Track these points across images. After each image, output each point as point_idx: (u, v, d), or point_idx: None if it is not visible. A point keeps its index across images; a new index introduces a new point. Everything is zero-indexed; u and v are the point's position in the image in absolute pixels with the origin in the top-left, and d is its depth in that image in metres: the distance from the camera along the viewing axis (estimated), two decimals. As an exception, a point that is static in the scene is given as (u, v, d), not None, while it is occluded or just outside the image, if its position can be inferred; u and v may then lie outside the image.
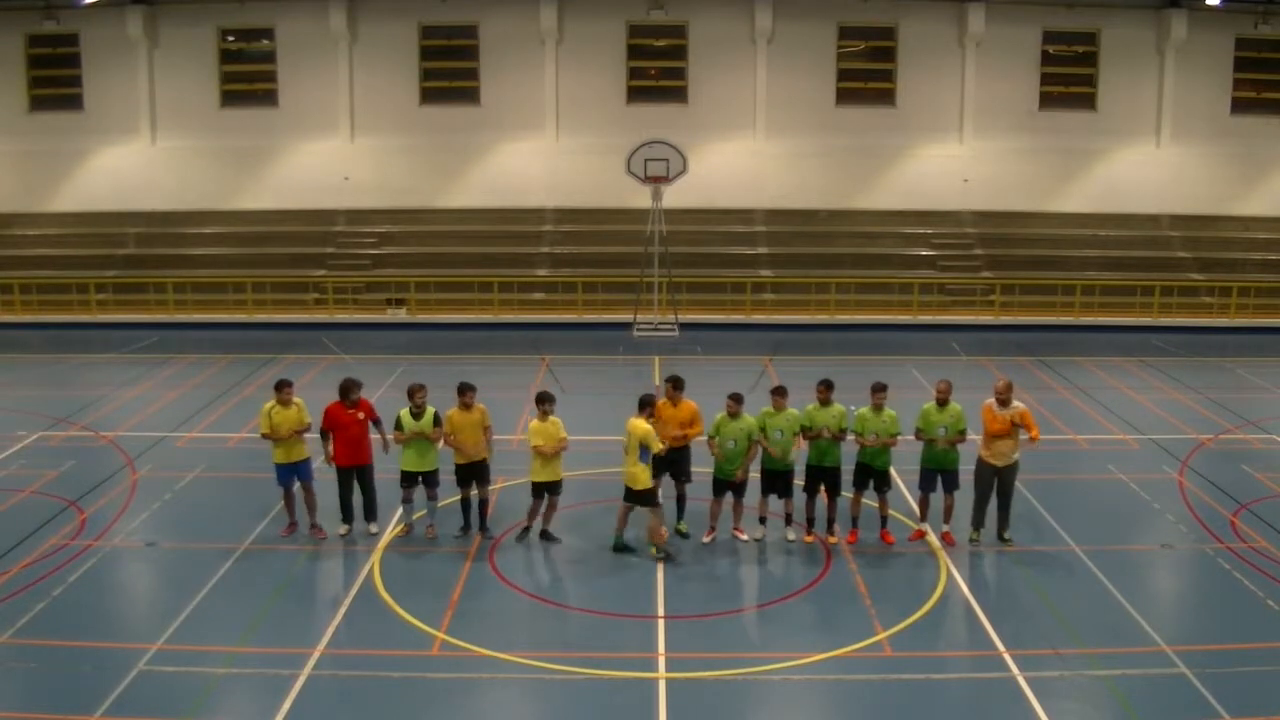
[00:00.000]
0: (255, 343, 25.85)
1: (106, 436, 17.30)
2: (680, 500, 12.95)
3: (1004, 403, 12.35)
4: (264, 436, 12.59)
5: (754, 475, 12.66)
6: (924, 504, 12.87)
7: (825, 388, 12.52)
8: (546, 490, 12.42)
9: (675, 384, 12.84)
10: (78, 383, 22.43)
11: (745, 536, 12.66)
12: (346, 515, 12.79)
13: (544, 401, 12.37)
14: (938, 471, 12.53)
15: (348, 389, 12.59)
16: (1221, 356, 25.23)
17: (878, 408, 12.42)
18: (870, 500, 12.74)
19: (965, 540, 12.61)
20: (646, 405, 12.09)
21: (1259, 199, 32.74)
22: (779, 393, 12.54)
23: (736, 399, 12.41)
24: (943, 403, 12.49)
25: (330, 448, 12.52)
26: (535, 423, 12.35)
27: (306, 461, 12.71)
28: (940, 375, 13.34)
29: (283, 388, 12.62)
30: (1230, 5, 31.20)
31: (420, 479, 12.54)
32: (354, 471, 12.61)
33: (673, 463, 12.62)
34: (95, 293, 29.23)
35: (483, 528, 12.78)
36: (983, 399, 12.67)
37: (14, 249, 31.39)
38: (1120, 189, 32.33)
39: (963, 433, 12.50)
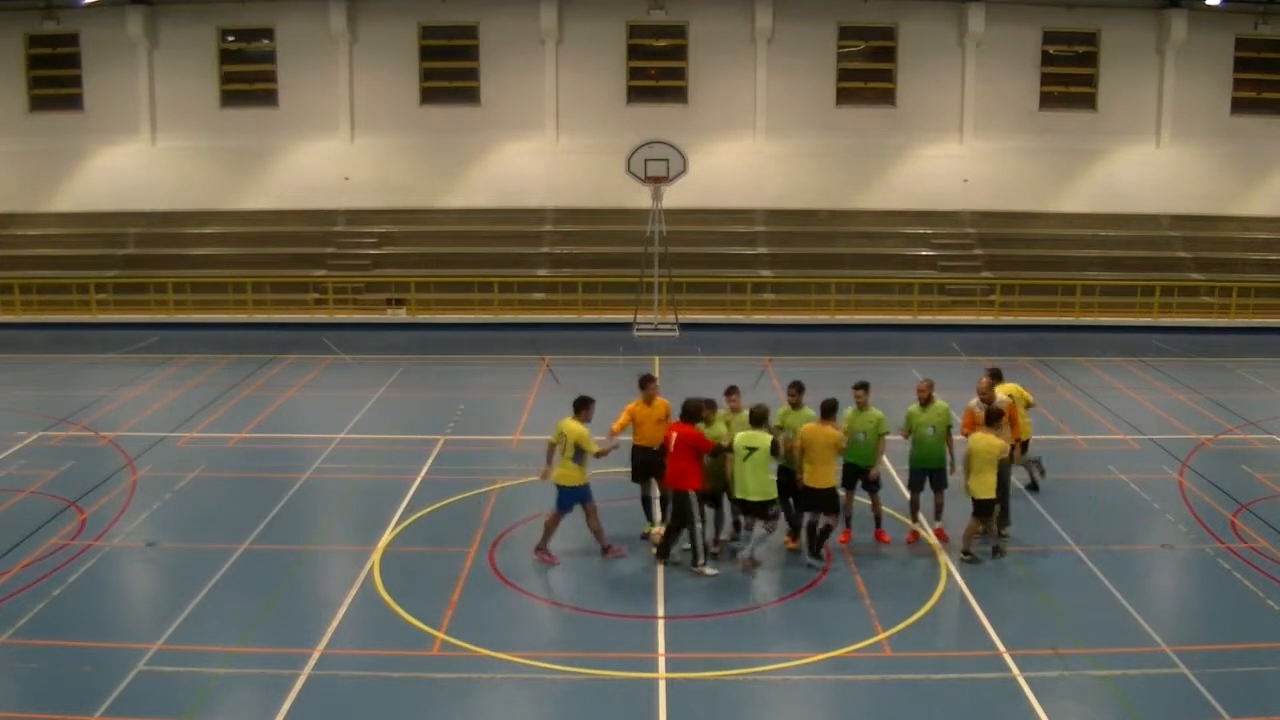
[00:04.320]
0: (255, 343, 25.85)
1: (106, 436, 17.30)
2: (664, 502, 12.69)
3: (988, 400, 12.49)
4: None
5: None
6: (914, 504, 12.88)
7: (796, 390, 12.40)
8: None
9: (649, 381, 12.74)
10: (78, 383, 22.43)
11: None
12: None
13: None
14: (925, 471, 12.55)
15: (700, 409, 11.92)
16: (1221, 356, 25.21)
17: (861, 406, 12.41)
18: (865, 499, 12.73)
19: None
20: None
21: (1259, 199, 32.75)
22: (732, 392, 12.47)
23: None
24: (926, 402, 12.52)
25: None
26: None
27: None
28: (941, 375, 13.35)
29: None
30: (1230, 5, 31.20)
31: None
32: None
33: (656, 464, 12.36)
34: (95, 293, 29.23)
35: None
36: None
37: (14, 249, 31.39)
38: (1120, 189, 32.33)
39: (949, 429, 12.53)
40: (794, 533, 12.32)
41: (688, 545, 11.85)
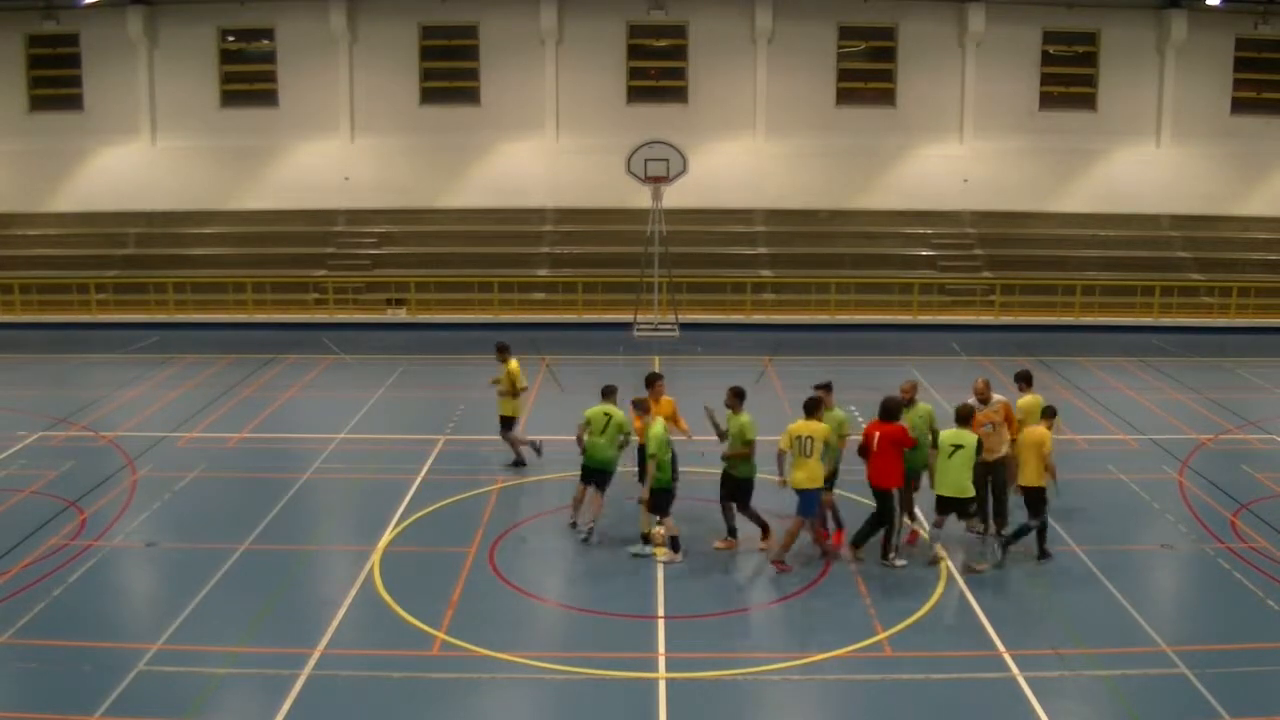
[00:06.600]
0: (255, 343, 25.84)
1: (106, 436, 17.30)
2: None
3: (985, 400, 12.55)
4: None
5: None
6: (909, 504, 12.83)
7: (735, 395, 12.37)
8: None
9: (652, 380, 12.92)
10: (78, 383, 22.43)
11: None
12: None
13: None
14: (914, 472, 12.50)
15: (900, 407, 11.97)
16: (1221, 356, 25.22)
17: (826, 407, 12.34)
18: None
19: (966, 533, 12.64)
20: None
21: (1259, 199, 32.74)
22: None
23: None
24: (909, 403, 12.50)
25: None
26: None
27: None
28: (940, 375, 13.38)
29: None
30: (1230, 5, 31.19)
31: None
32: None
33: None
34: (95, 293, 29.21)
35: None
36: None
37: (14, 249, 31.38)
38: (1120, 189, 32.32)
39: (935, 432, 12.47)
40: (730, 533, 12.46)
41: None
